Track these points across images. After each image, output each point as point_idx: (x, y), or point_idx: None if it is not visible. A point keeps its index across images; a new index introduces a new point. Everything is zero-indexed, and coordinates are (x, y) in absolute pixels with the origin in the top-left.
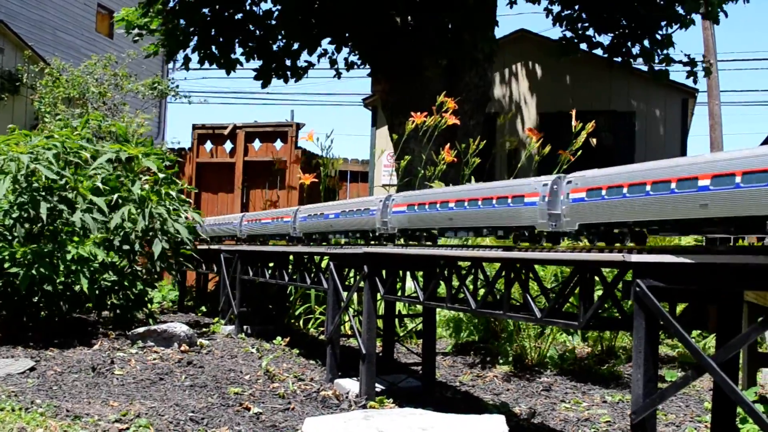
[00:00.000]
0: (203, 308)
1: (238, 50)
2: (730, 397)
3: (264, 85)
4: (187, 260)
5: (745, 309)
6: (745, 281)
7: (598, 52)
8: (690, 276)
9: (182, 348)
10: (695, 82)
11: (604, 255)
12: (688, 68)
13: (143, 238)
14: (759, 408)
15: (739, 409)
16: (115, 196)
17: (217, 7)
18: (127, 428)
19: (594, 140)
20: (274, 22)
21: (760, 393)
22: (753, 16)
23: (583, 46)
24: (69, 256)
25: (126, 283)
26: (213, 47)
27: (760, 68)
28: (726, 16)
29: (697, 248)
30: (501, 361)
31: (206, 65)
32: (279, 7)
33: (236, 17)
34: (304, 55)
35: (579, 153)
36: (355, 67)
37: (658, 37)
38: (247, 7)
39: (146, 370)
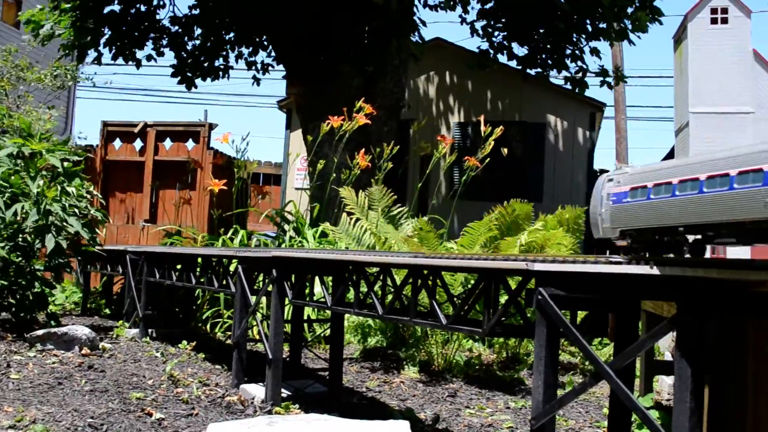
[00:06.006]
0: (107, 311)
1: (150, 45)
2: (625, 403)
3: (188, 88)
4: (90, 260)
5: (644, 317)
6: (642, 291)
7: (513, 63)
8: (589, 285)
9: (83, 351)
10: (611, 88)
11: (509, 263)
12: (600, 78)
13: (38, 236)
14: (654, 414)
15: (635, 415)
16: (8, 192)
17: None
18: None
19: (505, 150)
20: (190, 21)
21: (656, 399)
22: (657, 35)
23: (501, 57)
24: None
25: (23, 283)
26: (124, 41)
27: (664, 85)
28: (646, 32)
29: (599, 258)
30: (408, 367)
31: (125, 62)
32: (197, 12)
33: (152, 12)
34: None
35: (488, 161)
36: (270, 69)
37: (579, 51)
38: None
39: (44, 374)
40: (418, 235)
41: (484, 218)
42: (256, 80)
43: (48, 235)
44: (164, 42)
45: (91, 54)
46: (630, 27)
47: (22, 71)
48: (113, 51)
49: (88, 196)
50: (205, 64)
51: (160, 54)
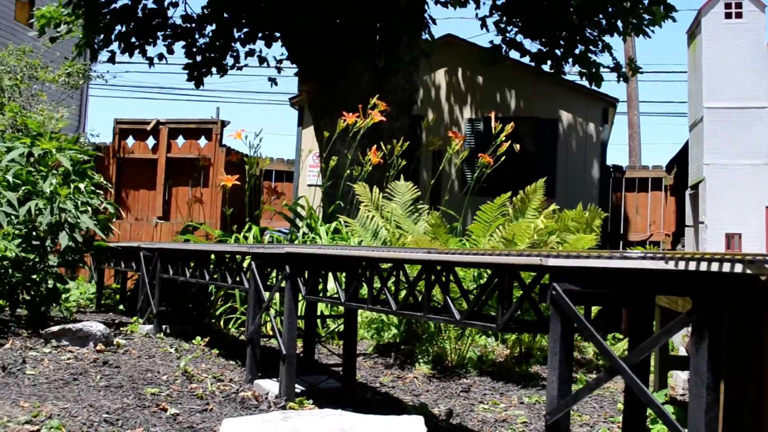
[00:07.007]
0: (121, 307)
1: (161, 43)
2: (640, 398)
3: (197, 85)
4: (103, 255)
5: (658, 313)
6: (655, 286)
7: (526, 59)
8: (603, 280)
9: (98, 347)
10: (626, 81)
11: (522, 258)
12: (615, 73)
13: (51, 233)
14: (668, 409)
15: (649, 410)
16: (21, 189)
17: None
18: (38, 429)
19: (518, 146)
20: (202, 18)
21: (671, 394)
22: (669, 30)
23: (514, 53)
24: None
25: (37, 279)
26: (134, 38)
27: (677, 81)
28: (660, 27)
29: (613, 254)
30: (421, 362)
31: (130, 57)
32: (209, 11)
33: (164, 11)
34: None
35: (503, 158)
36: (283, 67)
37: (593, 44)
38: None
39: (60, 370)
40: (431, 229)
41: (495, 201)
42: (273, 81)
43: (62, 233)
44: (174, 40)
45: (104, 53)
46: (645, 22)
47: (35, 70)
48: (122, 46)
49: (101, 192)
50: (216, 61)
51: (171, 52)
